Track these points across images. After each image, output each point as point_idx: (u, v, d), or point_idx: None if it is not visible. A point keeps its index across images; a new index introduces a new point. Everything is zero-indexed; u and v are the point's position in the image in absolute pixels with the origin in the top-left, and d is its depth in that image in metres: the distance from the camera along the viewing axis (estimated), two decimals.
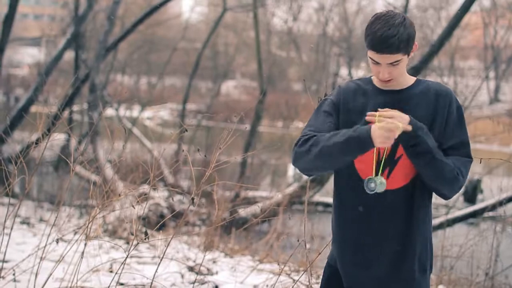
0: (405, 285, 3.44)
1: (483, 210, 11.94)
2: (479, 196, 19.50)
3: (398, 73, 3.32)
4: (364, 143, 3.16)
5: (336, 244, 3.55)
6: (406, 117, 3.19)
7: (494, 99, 46.57)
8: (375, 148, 3.29)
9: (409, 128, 3.16)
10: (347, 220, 3.47)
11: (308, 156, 3.32)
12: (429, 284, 3.53)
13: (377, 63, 3.27)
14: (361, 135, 3.17)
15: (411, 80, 3.45)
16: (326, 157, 3.28)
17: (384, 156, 3.34)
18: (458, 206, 13.89)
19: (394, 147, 3.32)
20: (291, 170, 23.66)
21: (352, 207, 3.43)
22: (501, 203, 9.97)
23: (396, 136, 3.12)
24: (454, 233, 9.68)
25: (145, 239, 4.99)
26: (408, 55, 3.29)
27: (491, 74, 43.06)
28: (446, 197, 3.41)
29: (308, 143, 3.34)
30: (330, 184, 16.58)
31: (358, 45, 44.67)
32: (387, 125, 3.10)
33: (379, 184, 3.28)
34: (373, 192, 3.29)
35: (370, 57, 3.28)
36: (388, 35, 3.16)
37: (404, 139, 3.20)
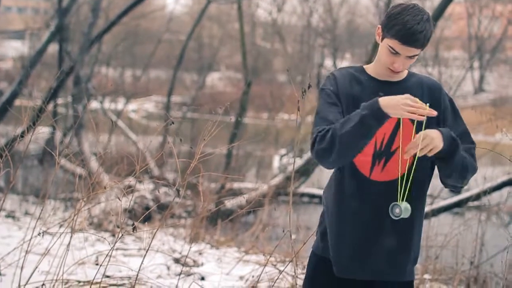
0: (398, 275, 3.47)
1: (467, 199, 11.99)
2: (464, 186, 19.56)
3: (408, 66, 3.36)
4: (378, 115, 3.17)
5: (333, 236, 3.51)
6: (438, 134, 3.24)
7: (479, 89, 46.74)
8: (375, 140, 3.33)
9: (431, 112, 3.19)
10: (347, 213, 3.45)
11: (332, 151, 3.25)
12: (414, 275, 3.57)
13: (396, 53, 3.27)
14: (372, 110, 3.17)
15: (405, 72, 3.47)
16: (349, 145, 3.23)
17: (382, 148, 3.36)
18: (442, 195, 13.92)
19: (391, 139, 3.35)
20: (277, 161, 23.71)
21: (352, 200, 3.43)
22: (485, 193, 10.01)
23: (413, 109, 3.14)
24: (439, 222, 9.71)
25: (133, 230, 4.99)
26: None
27: (476, 64, 43.19)
28: (461, 188, 3.50)
29: (326, 138, 3.26)
30: (315, 175, 16.67)
31: (343, 36, 44.66)
32: (406, 100, 3.14)
33: (404, 209, 3.28)
34: (398, 218, 3.30)
35: (390, 46, 3.27)
36: (417, 29, 3.18)
37: (444, 150, 3.23)
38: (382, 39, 3.32)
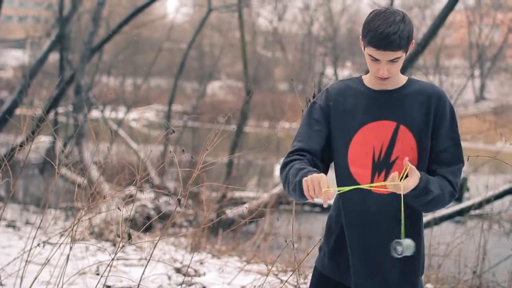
0: (409, 287, 3.42)
1: (469, 208, 11.97)
2: (466, 194, 19.54)
3: (396, 71, 3.26)
4: (299, 193, 3.16)
5: (344, 254, 3.47)
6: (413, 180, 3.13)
7: (480, 97, 46.81)
8: (372, 152, 3.29)
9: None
10: (351, 226, 3.41)
11: (285, 186, 3.36)
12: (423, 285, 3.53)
13: (376, 60, 3.20)
14: (298, 186, 3.17)
15: (403, 79, 3.39)
16: (291, 194, 3.29)
17: (380, 159, 3.30)
18: None
19: (390, 149, 3.29)
20: (278, 170, 23.71)
21: (354, 213, 3.38)
22: (487, 201, 10.00)
23: (316, 193, 3.04)
24: (441, 231, 9.68)
25: (131, 240, 4.96)
26: (406, 53, 3.24)
27: (476, 72, 43.27)
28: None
29: (284, 172, 3.37)
30: None
31: (343, 44, 44.74)
32: (311, 182, 3.05)
33: (405, 247, 3.13)
34: (401, 256, 3.14)
35: (369, 54, 3.21)
36: (389, 32, 3.10)
37: (413, 195, 3.16)
38: (364, 48, 3.26)
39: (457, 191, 3.32)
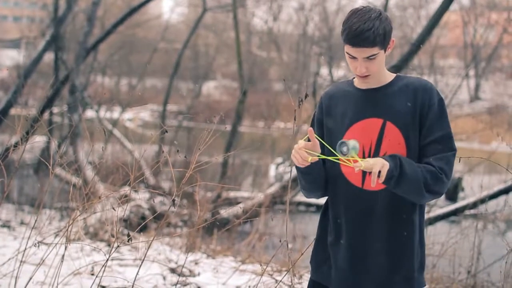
0: (405, 285, 3.40)
1: (464, 208, 11.97)
2: (460, 194, 19.56)
3: (376, 69, 3.30)
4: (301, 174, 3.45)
5: (331, 249, 3.50)
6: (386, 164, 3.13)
7: (475, 97, 46.81)
8: (362, 150, 3.32)
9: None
10: (342, 225, 3.42)
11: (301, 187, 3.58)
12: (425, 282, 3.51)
13: (353, 57, 3.26)
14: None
15: (391, 77, 3.42)
16: (304, 188, 3.55)
17: (370, 156, 3.31)
18: (439, 204, 13.92)
19: (378, 146, 3.31)
20: (273, 170, 23.69)
21: (345, 211, 3.40)
22: (482, 201, 9.99)
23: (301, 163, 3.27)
24: (436, 231, 9.70)
25: (128, 241, 4.96)
26: (385, 51, 3.29)
27: (471, 72, 43.28)
28: (439, 197, 3.40)
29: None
30: None
31: (339, 44, 44.68)
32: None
33: (351, 147, 3.19)
34: (346, 156, 3.20)
35: (347, 52, 3.29)
36: (363, 28, 3.16)
37: (386, 180, 3.15)
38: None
39: (445, 175, 3.28)
